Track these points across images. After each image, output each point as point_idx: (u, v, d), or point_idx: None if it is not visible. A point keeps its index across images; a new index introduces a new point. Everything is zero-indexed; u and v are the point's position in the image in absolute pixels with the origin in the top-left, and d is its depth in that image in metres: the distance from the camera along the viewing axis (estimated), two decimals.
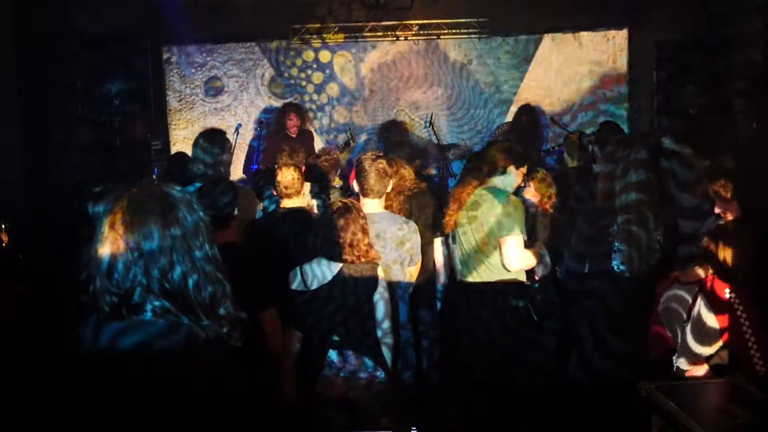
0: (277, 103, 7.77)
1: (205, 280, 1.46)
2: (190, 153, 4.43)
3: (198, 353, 1.43)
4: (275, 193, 4.10)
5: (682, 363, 2.95)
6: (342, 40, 7.77)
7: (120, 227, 1.42)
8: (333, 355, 3.13)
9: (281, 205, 4.01)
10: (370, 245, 3.18)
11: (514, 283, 3.69)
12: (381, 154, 3.76)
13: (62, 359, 1.44)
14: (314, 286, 3.13)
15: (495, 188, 3.75)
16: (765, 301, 2.78)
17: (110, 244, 1.42)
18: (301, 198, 4.02)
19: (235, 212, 3.24)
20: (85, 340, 1.42)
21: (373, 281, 3.11)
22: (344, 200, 3.34)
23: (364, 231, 3.16)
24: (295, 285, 3.18)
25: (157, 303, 1.41)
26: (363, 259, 3.13)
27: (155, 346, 1.40)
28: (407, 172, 4.05)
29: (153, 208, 1.45)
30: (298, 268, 3.20)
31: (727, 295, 2.79)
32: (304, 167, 4.49)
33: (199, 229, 1.49)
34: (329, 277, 3.12)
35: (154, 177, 6.44)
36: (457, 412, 4.06)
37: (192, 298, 1.44)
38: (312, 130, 7.58)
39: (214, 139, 4.17)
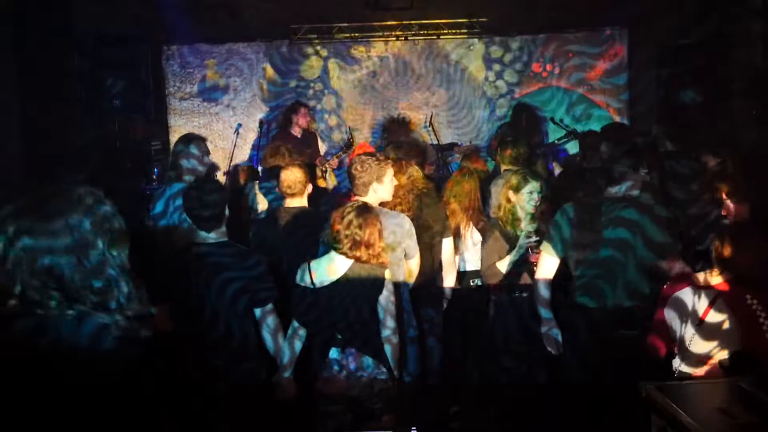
0: (277, 103, 7.79)
1: (102, 277, 1.51)
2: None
3: (110, 344, 1.49)
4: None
5: (684, 366, 2.94)
6: (342, 40, 7.78)
7: (9, 227, 1.47)
8: (335, 353, 3.14)
9: (285, 204, 4.03)
10: (383, 249, 3.18)
11: None
12: (367, 152, 3.76)
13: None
14: (320, 284, 3.13)
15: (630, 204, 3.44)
16: None
17: (2, 243, 1.46)
18: (305, 198, 4.03)
19: (226, 212, 3.21)
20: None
21: (379, 282, 3.11)
22: (363, 201, 3.36)
23: (380, 234, 3.17)
24: (301, 281, 3.17)
25: (55, 300, 1.47)
26: (374, 261, 3.12)
27: (71, 339, 1.46)
28: (416, 172, 4.05)
29: (48, 209, 1.50)
30: (306, 265, 3.18)
31: (748, 301, 2.77)
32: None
33: (100, 227, 1.54)
34: (339, 274, 3.11)
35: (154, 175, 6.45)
36: (457, 412, 4.07)
37: (87, 294, 1.49)
38: (316, 131, 7.57)
39: (192, 145, 4.19)
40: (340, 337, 3.13)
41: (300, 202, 4.01)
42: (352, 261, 3.12)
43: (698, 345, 2.88)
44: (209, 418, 2.92)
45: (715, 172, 3.97)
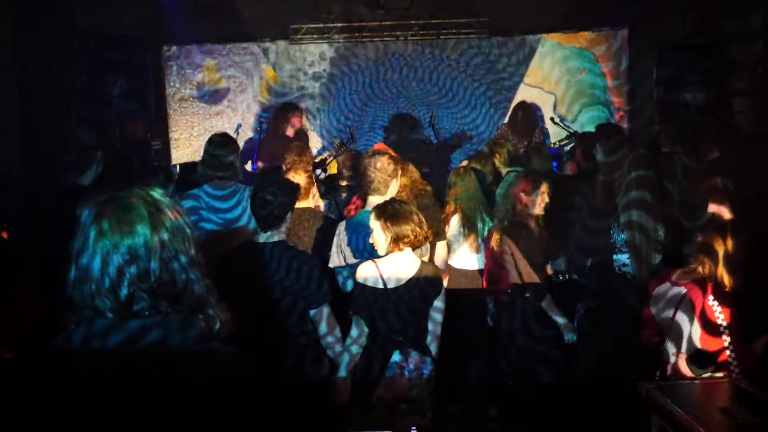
0: (277, 103, 7.78)
1: (193, 281, 1.50)
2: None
3: (210, 346, 1.48)
4: None
5: (670, 355, 2.97)
6: (342, 40, 7.77)
7: (108, 231, 1.44)
8: (396, 355, 3.09)
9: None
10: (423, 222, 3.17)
11: None
12: (382, 150, 3.75)
13: (54, 363, 1.45)
14: (392, 285, 3.08)
15: None
16: (758, 301, 2.77)
17: (100, 248, 1.44)
18: (310, 199, 3.98)
19: (288, 215, 3.17)
20: (82, 343, 1.43)
21: (439, 284, 3.14)
22: (396, 198, 3.33)
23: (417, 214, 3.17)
24: (365, 281, 3.12)
25: (153, 303, 1.45)
26: (426, 236, 3.14)
27: (173, 341, 1.44)
28: (415, 173, 4.07)
29: (140, 211, 1.47)
30: (373, 265, 3.13)
31: (709, 301, 2.79)
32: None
33: (184, 232, 1.52)
34: (410, 275, 3.08)
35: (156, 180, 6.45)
36: (457, 412, 4.07)
37: (183, 298, 1.48)
38: (306, 130, 7.56)
39: (224, 143, 4.10)
40: (401, 338, 3.09)
41: (305, 203, 3.93)
42: (420, 262, 3.12)
43: (673, 340, 2.92)
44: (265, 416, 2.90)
45: (711, 171, 3.98)
